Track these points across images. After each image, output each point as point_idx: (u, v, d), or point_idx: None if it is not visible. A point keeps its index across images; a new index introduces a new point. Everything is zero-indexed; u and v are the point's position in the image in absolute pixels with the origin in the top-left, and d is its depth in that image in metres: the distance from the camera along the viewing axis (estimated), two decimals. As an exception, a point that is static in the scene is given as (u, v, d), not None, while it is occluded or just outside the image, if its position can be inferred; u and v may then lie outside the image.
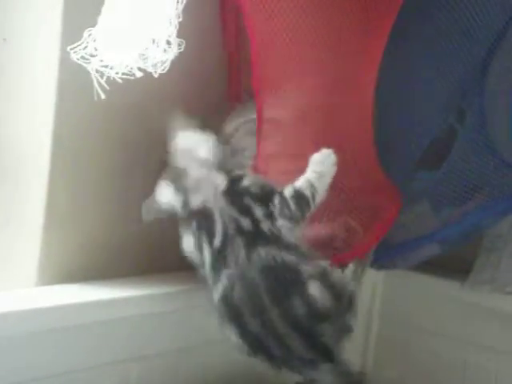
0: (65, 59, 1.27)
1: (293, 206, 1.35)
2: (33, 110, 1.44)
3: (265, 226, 1.33)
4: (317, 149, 1.40)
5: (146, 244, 1.57)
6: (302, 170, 1.39)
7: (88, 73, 1.24)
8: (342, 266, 1.50)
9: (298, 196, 1.36)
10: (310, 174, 1.38)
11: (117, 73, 1.22)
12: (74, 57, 1.20)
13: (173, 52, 1.26)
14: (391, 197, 1.58)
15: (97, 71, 1.22)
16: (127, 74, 1.24)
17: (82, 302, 1.38)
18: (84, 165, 1.47)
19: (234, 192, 1.35)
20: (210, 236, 1.34)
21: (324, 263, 1.36)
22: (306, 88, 1.44)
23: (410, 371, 2.03)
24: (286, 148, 1.47)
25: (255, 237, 1.33)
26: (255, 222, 1.33)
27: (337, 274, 1.38)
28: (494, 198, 1.64)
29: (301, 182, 1.37)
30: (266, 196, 1.35)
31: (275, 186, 1.37)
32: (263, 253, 1.31)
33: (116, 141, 1.50)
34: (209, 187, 1.35)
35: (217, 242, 1.33)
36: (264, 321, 1.29)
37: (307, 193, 1.37)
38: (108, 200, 1.51)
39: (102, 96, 1.23)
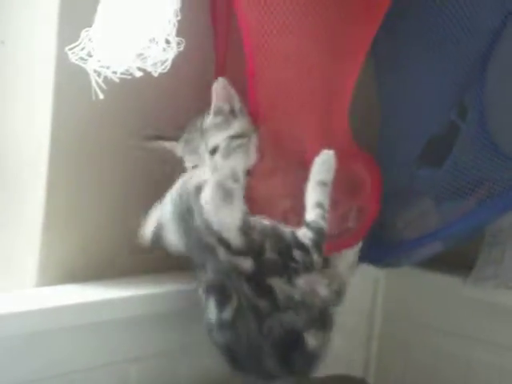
0: (62, 59, 1.26)
1: (315, 253, 1.33)
2: (30, 112, 1.43)
3: (281, 295, 1.30)
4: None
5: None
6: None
7: (86, 73, 1.23)
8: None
9: (318, 234, 1.34)
10: (316, 195, 1.35)
11: (115, 73, 1.21)
12: (72, 57, 1.19)
13: (172, 51, 1.24)
14: (369, 167, 1.59)
15: (94, 71, 1.21)
16: (126, 74, 1.23)
17: (82, 302, 1.38)
18: (83, 165, 1.46)
19: (257, 278, 1.31)
20: (220, 306, 1.31)
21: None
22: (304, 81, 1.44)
23: (413, 367, 2.03)
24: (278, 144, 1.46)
25: (270, 311, 1.30)
26: (274, 302, 1.30)
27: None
28: (495, 193, 1.63)
29: (313, 214, 1.34)
30: (285, 257, 1.32)
31: (287, 231, 1.33)
32: (274, 323, 1.29)
33: (115, 141, 1.49)
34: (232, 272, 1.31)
35: (226, 315, 1.31)
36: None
37: (323, 223, 1.35)
38: (107, 200, 1.50)
39: (101, 96, 1.22)
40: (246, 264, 1.28)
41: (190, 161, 1.41)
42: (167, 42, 1.23)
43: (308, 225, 1.35)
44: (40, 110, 1.40)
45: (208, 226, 1.28)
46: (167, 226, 1.33)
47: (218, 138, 1.38)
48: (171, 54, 1.22)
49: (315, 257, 1.34)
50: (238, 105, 1.40)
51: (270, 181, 1.42)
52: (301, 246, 1.33)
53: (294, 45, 1.41)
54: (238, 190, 1.28)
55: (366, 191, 1.57)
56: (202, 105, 1.42)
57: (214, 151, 1.38)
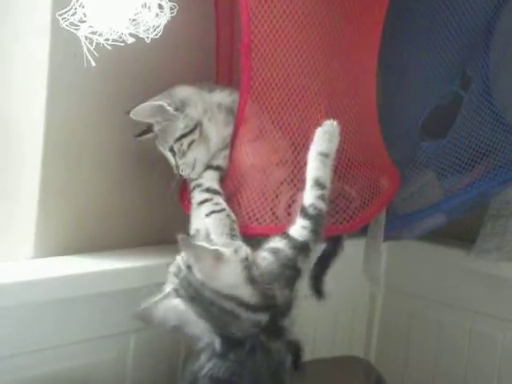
0: (56, 26, 1.24)
1: (313, 243, 1.30)
2: (25, 84, 1.42)
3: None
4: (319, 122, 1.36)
5: (141, 216, 1.55)
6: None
7: (80, 40, 1.22)
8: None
9: (316, 220, 1.29)
10: (316, 169, 1.31)
11: (107, 39, 1.19)
12: (63, 23, 1.17)
13: (165, 16, 1.23)
14: (390, 175, 1.55)
15: (86, 38, 1.19)
16: (118, 41, 1.21)
17: (79, 273, 1.38)
18: (79, 137, 1.45)
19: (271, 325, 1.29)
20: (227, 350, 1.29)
21: None
22: (306, 54, 1.40)
23: (416, 340, 2.03)
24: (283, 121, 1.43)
25: (280, 350, 1.30)
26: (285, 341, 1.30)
27: None
28: (499, 165, 1.61)
29: (311, 195, 1.30)
30: (293, 279, 1.29)
31: (285, 247, 1.29)
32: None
33: (112, 112, 1.47)
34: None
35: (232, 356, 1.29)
36: None
37: (322, 205, 1.30)
38: (104, 172, 1.49)
39: (93, 63, 1.21)
40: (265, 318, 1.26)
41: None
42: (160, 7, 1.21)
43: (305, 211, 1.31)
44: (34, 83, 1.39)
45: (219, 294, 1.24)
46: (186, 320, 1.28)
47: (170, 142, 1.41)
48: (164, 19, 1.21)
49: (313, 245, 1.31)
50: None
51: (257, 143, 1.40)
52: (300, 248, 1.30)
53: (296, 14, 1.38)
54: (222, 246, 1.24)
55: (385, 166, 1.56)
56: (196, 71, 1.41)
57: (172, 152, 1.41)
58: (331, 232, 1.41)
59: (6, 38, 1.42)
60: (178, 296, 1.25)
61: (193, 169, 1.41)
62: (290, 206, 1.38)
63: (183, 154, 1.41)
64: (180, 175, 1.42)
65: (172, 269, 1.27)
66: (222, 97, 1.45)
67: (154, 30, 1.22)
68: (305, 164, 1.35)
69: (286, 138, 1.42)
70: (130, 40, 1.22)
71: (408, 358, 2.05)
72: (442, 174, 1.67)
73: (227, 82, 1.56)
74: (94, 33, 1.19)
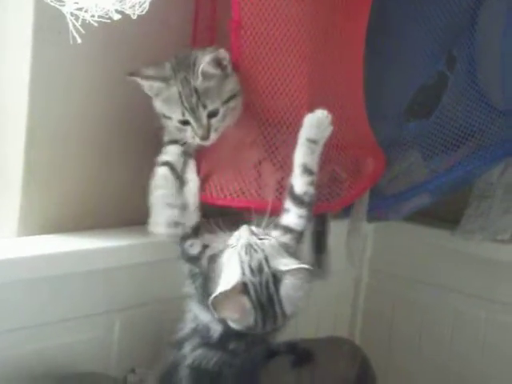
0: (41, 2, 1.23)
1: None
2: (9, 61, 1.40)
3: None
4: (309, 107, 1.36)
5: (127, 195, 1.54)
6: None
7: (65, 17, 1.20)
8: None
9: (310, 205, 1.32)
10: (303, 155, 1.32)
11: (92, 16, 1.18)
12: (48, -1, 1.16)
13: (151, -8, 1.21)
14: (376, 156, 1.56)
15: (72, 15, 1.18)
16: (104, 17, 1.20)
17: (62, 251, 1.37)
18: (64, 116, 1.44)
19: None
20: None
21: None
22: (293, 39, 1.40)
23: (400, 321, 2.04)
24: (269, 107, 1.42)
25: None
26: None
27: None
28: (484, 145, 1.62)
29: (301, 182, 1.31)
30: None
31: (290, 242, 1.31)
32: None
33: (98, 91, 1.47)
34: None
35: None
36: None
37: (312, 191, 1.32)
38: (89, 150, 1.48)
39: (79, 40, 1.19)
40: None
41: (173, 114, 1.37)
42: (146, -18, 1.20)
43: (300, 199, 1.32)
44: (18, 60, 1.38)
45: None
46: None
47: (217, 103, 1.35)
48: (150, -5, 1.19)
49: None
50: (229, 66, 1.37)
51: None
52: (300, 238, 1.33)
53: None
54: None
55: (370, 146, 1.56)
56: (184, 47, 1.40)
57: (213, 115, 1.36)
58: (320, 210, 1.43)
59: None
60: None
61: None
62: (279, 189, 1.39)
63: (224, 117, 1.37)
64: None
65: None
66: None
67: (140, 7, 1.20)
68: (288, 144, 1.37)
69: (265, 116, 1.42)
70: (116, 16, 1.20)
71: (392, 339, 2.06)
72: (427, 155, 1.67)
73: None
74: (79, 9, 1.18)
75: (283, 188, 1.37)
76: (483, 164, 1.64)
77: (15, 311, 1.32)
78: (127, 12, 1.20)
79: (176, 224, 1.35)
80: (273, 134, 1.42)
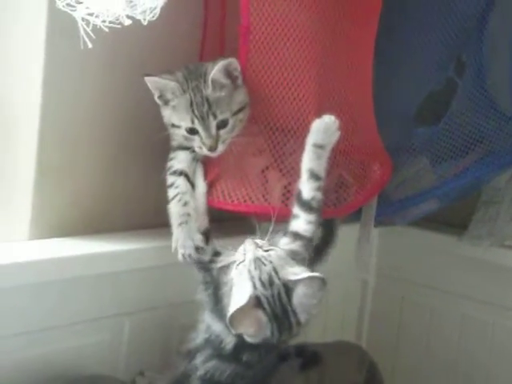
0: (53, 7, 1.23)
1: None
2: (22, 64, 1.41)
3: None
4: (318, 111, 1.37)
5: (138, 198, 1.55)
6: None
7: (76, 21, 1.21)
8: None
9: (319, 211, 1.32)
10: (310, 160, 1.32)
11: (104, 21, 1.19)
12: (60, 4, 1.17)
13: (162, -2, 1.22)
14: (383, 161, 1.56)
15: (83, 20, 1.19)
16: (115, 23, 1.21)
17: (73, 255, 1.38)
18: (75, 119, 1.44)
19: None
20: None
21: None
22: (302, 45, 1.40)
23: (407, 326, 2.04)
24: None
25: None
26: None
27: None
28: (492, 151, 1.62)
29: (308, 188, 1.31)
30: None
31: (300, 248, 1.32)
32: None
33: (109, 94, 1.47)
34: None
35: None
36: None
37: (320, 196, 1.32)
38: (101, 154, 1.49)
39: (89, 45, 1.20)
40: None
41: (182, 122, 1.38)
42: (157, -12, 1.21)
43: (308, 204, 1.32)
44: (31, 62, 1.39)
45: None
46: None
47: (227, 114, 1.36)
48: (161, 1, 1.20)
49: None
50: (240, 77, 1.38)
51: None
52: (309, 244, 1.33)
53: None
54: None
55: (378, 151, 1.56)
56: (193, 53, 1.40)
57: (222, 125, 1.36)
58: (324, 214, 1.41)
59: (6, 21, 1.42)
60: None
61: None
62: (286, 194, 1.39)
63: (232, 129, 1.38)
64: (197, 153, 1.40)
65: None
66: None
67: (151, 12, 1.21)
68: (295, 150, 1.38)
69: (270, 123, 1.42)
70: (127, 22, 1.21)
71: (399, 343, 2.05)
72: (435, 160, 1.67)
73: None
74: (90, 14, 1.19)
75: (290, 193, 1.37)
76: (491, 170, 1.64)
77: (25, 314, 1.32)
78: (138, 17, 1.21)
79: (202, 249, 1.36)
80: (280, 140, 1.43)
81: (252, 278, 1.23)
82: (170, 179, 1.40)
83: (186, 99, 1.36)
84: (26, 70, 1.41)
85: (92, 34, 1.20)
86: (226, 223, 1.48)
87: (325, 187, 1.35)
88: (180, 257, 1.35)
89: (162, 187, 1.39)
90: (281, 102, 1.41)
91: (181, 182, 1.39)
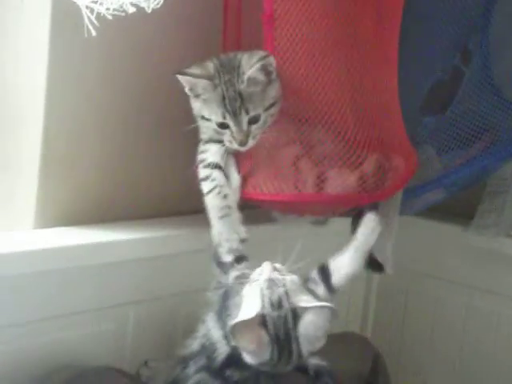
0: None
1: None
2: (26, 55, 1.41)
3: None
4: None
5: (144, 188, 1.55)
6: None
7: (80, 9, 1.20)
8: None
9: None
10: (351, 265, 1.33)
11: (108, 9, 1.18)
12: (63, -8, 1.16)
13: (167, -15, 1.21)
14: (409, 154, 1.54)
15: (87, 7, 1.18)
16: (119, 10, 1.20)
17: (78, 244, 1.38)
18: (80, 107, 1.44)
19: None
20: None
21: None
22: (327, 33, 1.39)
23: (412, 316, 2.04)
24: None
25: None
26: None
27: None
28: (499, 140, 1.61)
29: (340, 280, 1.33)
30: None
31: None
32: None
33: (114, 81, 1.47)
34: None
35: None
36: None
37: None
38: (107, 142, 1.49)
39: (93, 33, 1.20)
40: None
41: (213, 116, 1.36)
42: (161, -24, 1.20)
43: (332, 288, 1.33)
44: (35, 53, 1.38)
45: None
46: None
47: (259, 109, 1.35)
48: (164, -12, 1.19)
49: None
50: (275, 72, 1.36)
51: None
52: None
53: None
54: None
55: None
56: (198, 41, 1.39)
57: (254, 121, 1.35)
58: (360, 200, 1.42)
59: (10, 9, 1.41)
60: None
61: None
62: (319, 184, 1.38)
63: (264, 124, 1.36)
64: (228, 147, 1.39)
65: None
66: None
67: (155, 0, 1.21)
68: (323, 142, 1.38)
69: (299, 114, 1.40)
70: (131, 9, 1.20)
71: (404, 333, 2.05)
72: (442, 150, 1.67)
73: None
74: (94, 2, 1.18)
75: (323, 182, 1.37)
76: (498, 159, 1.64)
77: (30, 303, 1.32)
78: (142, 5, 1.21)
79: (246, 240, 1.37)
80: (310, 130, 1.41)
81: (263, 296, 1.23)
82: (205, 172, 1.38)
83: (217, 94, 1.34)
84: (31, 58, 1.40)
85: (96, 22, 1.20)
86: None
87: (361, 173, 1.36)
88: (226, 250, 1.34)
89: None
90: (308, 92, 1.39)
91: (217, 174, 1.38)
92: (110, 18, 1.19)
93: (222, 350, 1.28)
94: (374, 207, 1.45)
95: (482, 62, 1.65)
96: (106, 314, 1.44)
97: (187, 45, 1.44)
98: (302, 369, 1.38)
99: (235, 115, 1.33)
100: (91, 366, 1.37)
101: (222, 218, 1.35)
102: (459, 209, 1.88)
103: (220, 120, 1.35)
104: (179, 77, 1.34)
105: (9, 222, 1.43)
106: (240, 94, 1.33)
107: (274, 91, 1.36)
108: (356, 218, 1.45)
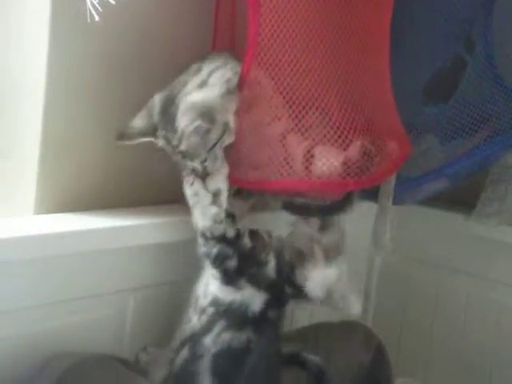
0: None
1: None
2: (26, 39, 1.40)
3: None
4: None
5: (145, 174, 1.54)
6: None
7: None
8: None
9: None
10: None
11: (110, -6, 1.18)
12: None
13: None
14: (402, 141, 1.54)
15: (89, -8, 1.18)
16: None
17: (78, 230, 1.37)
18: (80, 93, 1.43)
19: None
20: None
21: None
22: (315, 15, 1.37)
23: (413, 304, 2.04)
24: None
25: None
26: None
27: None
28: (502, 130, 1.61)
29: None
30: None
31: None
32: None
33: (113, 67, 1.46)
34: None
35: None
36: None
37: None
38: (106, 129, 1.47)
39: (96, 18, 1.19)
40: None
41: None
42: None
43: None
44: (35, 38, 1.38)
45: None
46: None
47: (202, 156, 1.33)
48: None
49: None
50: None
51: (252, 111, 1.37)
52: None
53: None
54: None
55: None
56: (201, 28, 1.39)
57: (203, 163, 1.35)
58: (345, 186, 1.41)
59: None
60: None
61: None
62: (308, 159, 1.37)
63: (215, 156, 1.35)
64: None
65: None
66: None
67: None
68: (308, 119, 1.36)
69: (287, 96, 1.39)
70: (134, -5, 1.20)
71: (405, 322, 2.05)
72: (444, 139, 1.66)
73: (228, 44, 1.54)
74: (97, -13, 1.18)
75: (311, 158, 1.36)
76: (501, 148, 1.63)
77: (30, 289, 1.32)
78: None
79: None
80: (297, 110, 1.39)
81: None
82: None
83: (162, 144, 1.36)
84: (31, 43, 1.39)
85: (99, 7, 1.19)
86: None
87: (346, 158, 1.35)
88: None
89: (170, 162, 1.38)
90: (293, 77, 1.38)
91: None
92: (112, 2, 1.18)
93: (258, 302, 1.34)
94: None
95: (485, 51, 1.64)
96: (106, 300, 1.44)
97: (191, 33, 1.43)
98: (302, 364, 1.40)
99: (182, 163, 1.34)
100: (90, 354, 1.36)
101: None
102: (461, 197, 1.88)
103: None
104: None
105: (9, 207, 1.42)
106: (179, 152, 1.32)
107: (219, 130, 1.33)
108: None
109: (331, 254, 1.42)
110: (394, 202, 1.78)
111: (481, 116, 1.61)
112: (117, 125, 1.38)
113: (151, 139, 1.34)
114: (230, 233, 1.36)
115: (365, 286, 2.11)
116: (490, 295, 1.89)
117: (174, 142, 1.32)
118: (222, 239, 1.35)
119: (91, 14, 1.20)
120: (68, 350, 1.36)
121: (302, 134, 1.38)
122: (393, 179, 1.60)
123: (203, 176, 1.34)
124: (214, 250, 1.36)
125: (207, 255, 1.36)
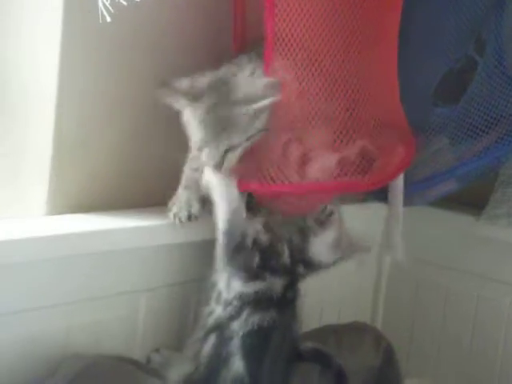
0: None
1: None
2: (39, 37, 1.40)
3: None
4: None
5: (157, 174, 1.54)
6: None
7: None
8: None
9: None
10: None
11: (122, -5, 1.18)
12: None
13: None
14: (408, 142, 1.54)
15: (102, -7, 1.18)
16: (134, -4, 1.20)
17: (90, 230, 1.37)
18: (92, 93, 1.44)
19: None
20: None
21: None
22: (327, 16, 1.39)
23: (423, 306, 2.03)
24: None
25: None
26: None
27: None
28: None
29: None
30: None
31: None
32: None
33: (126, 66, 1.46)
34: None
35: None
36: None
37: None
38: (117, 129, 1.48)
39: (108, 19, 1.19)
40: None
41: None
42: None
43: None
44: (48, 35, 1.38)
45: None
46: None
47: (241, 138, 1.34)
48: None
49: None
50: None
51: None
52: None
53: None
54: None
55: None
56: (213, 28, 1.39)
57: (232, 150, 1.34)
58: (350, 189, 1.43)
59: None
60: None
61: None
62: (302, 163, 1.38)
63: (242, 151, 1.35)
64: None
65: None
66: None
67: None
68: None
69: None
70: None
71: (414, 324, 2.05)
72: (455, 140, 1.66)
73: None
74: (109, -12, 1.18)
75: (307, 161, 1.37)
76: (511, 150, 1.63)
77: (42, 289, 1.32)
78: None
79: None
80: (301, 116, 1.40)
81: None
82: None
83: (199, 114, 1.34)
84: (43, 43, 1.39)
85: (110, 8, 1.19)
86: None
87: (342, 160, 1.36)
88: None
89: (182, 162, 1.39)
90: (310, 78, 1.39)
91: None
92: (124, 3, 1.19)
93: (278, 283, 1.42)
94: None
95: (495, 52, 1.65)
96: (118, 300, 1.44)
97: (201, 31, 1.43)
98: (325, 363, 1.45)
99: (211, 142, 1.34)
100: (102, 356, 1.37)
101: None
102: (471, 198, 1.88)
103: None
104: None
105: (20, 208, 1.42)
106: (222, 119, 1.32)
107: (263, 120, 1.34)
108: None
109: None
110: (404, 204, 1.78)
111: (491, 117, 1.61)
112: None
113: (187, 103, 1.34)
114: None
115: (374, 288, 2.10)
116: (499, 296, 1.89)
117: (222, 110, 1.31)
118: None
119: (103, 14, 1.20)
120: (80, 350, 1.36)
121: (305, 135, 1.39)
122: (401, 181, 1.60)
123: (218, 166, 1.34)
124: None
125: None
